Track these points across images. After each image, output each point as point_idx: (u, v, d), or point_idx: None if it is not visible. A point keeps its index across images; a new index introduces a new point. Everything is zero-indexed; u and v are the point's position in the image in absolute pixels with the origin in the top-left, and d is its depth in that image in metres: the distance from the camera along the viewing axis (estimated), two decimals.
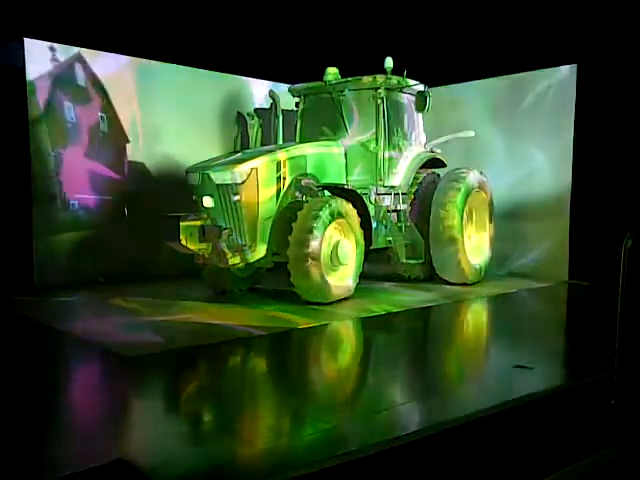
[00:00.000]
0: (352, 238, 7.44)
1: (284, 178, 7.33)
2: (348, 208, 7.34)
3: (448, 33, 9.85)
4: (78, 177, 8.57)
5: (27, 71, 7.95)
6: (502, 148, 9.71)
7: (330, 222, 7.07)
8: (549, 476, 3.10)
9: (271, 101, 8.66)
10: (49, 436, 3.63)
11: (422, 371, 4.90)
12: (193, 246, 7.01)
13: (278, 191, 7.28)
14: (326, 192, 7.62)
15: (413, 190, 8.65)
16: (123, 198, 8.97)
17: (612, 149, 8.64)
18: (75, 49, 8.40)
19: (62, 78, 8.30)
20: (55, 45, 8.19)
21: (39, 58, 8.06)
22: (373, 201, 8.14)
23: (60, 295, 7.75)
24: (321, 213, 6.94)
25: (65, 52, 8.30)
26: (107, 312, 6.89)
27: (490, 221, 9.09)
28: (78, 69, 8.36)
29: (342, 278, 7.38)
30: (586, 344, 5.77)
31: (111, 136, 8.89)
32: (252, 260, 7.14)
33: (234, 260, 7.02)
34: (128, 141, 9.07)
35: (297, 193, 7.46)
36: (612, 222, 7.92)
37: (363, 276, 7.81)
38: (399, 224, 8.42)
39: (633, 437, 3.54)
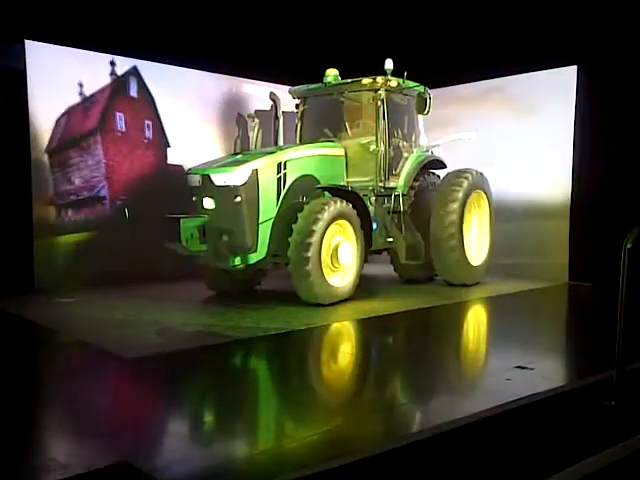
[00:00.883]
0: (352, 239, 7.44)
1: (285, 180, 7.33)
2: (348, 209, 7.35)
3: (448, 34, 9.87)
4: (124, 180, 9.05)
5: (86, 85, 8.63)
6: (502, 149, 9.71)
7: (330, 223, 7.08)
8: (549, 477, 3.09)
9: (271, 103, 8.67)
10: (49, 437, 3.64)
11: (422, 372, 4.90)
12: (194, 247, 7.02)
13: (279, 192, 7.28)
14: (326, 193, 7.62)
15: (413, 191, 8.65)
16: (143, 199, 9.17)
17: (612, 150, 8.65)
18: (132, 62, 9.05)
19: (118, 90, 8.98)
20: (116, 59, 8.87)
21: (100, 72, 8.75)
22: (373, 202, 8.15)
23: (60, 296, 7.76)
24: (321, 214, 6.95)
25: (123, 65, 8.99)
26: (107, 313, 6.89)
27: (490, 222, 9.09)
28: (132, 81, 9.09)
29: (342, 279, 7.39)
30: (586, 345, 5.78)
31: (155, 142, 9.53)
32: (252, 261, 7.14)
33: (235, 261, 7.02)
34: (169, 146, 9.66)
35: (297, 195, 7.46)
36: (613, 223, 7.93)
37: (363, 277, 7.82)
38: (399, 225, 8.43)
39: (634, 437, 3.54)
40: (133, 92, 9.05)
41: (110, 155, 8.92)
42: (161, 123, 9.51)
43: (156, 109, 9.41)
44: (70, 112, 8.50)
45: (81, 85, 8.51)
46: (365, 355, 5.88)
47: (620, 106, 8.53)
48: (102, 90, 8.75)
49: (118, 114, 8.93)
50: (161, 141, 9.54)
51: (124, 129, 9.03)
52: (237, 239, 7.03)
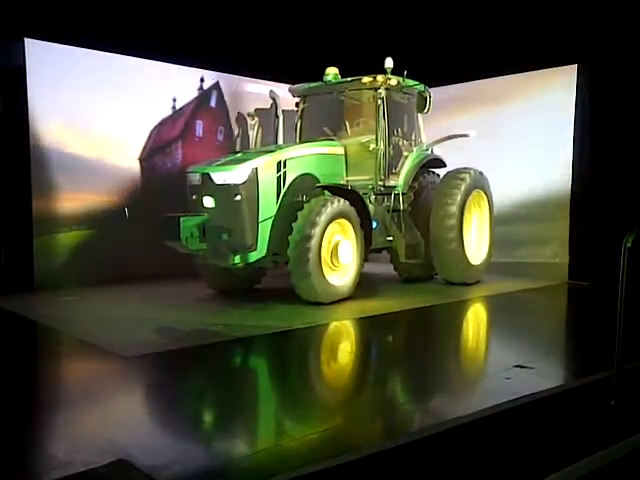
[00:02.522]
0: (352, 238, 7.44)
1: (284, 178, 7.33)
2: (348, 208, 7.35)
3: (448, 33, 9.86)
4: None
5: (177, 99, 9.65)
6: (501, 148, 9.70)
7: (330, 222, 7.08)
8: (548, 476, 3.10)
9: (271, 101, 8.66)
10: (50, 435, 3.64)
11: (422, 371, 4.90)
12: (193, 246, 7.01)
13: (278, 191, 7.28)
14: (326, 192, 7.62)
15: (413, 190, 8.65)
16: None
17: (612, 149, 8.65)
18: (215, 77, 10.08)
19: (201, 101, 10.03)
20: (204, 75, 9.94)
21: (187, 86, 9.78)
22: (373, 201, 8.15)
23: (60, 295, 7.76)
24: (321, 213, 6.95)
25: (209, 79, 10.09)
26: (107, 312, 6.90)
27: (490, 221, 9.09)
28: (213, 94, 10.18)
29: (342, 278, 7.39)
30: (586, 344, 5.78)
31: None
32: (252, 260, 7.14)
33: (234, 260, 7.02)
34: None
35: (297, 193, 7.46)
36: (612, 222, 7.93)
37: (363, 276, 7.82)
38: (399, 224, 8.42)
39: (633, 436, 3.54)
40: (213, 103, 10.17)
41: (187, 158, 9.69)
42: (231, 127, 10.32)
43: (228, 115, 10.33)
44: (162, 124, 9.56)
45: (175, 100, 9.65)
46: (364, 354, 5.88)
47: (620, 105, 8.52)
48: (189, 102, 9.87)
49: (198, 122, 10.00)
50: (230, 143, 10.26)
51: (201, 135, 10.06)
52: (237, 238, 7.03)
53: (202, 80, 9.95)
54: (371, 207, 7.99)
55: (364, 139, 8.21)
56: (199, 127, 10.01)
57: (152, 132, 9.46)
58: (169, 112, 9.63)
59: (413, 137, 8.86)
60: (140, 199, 9.15)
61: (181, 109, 9.77)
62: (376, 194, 8.19)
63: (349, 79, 8.27)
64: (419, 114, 8.73)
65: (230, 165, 7.13)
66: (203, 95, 10.03)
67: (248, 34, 9.76)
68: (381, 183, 8.18)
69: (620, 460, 3.34)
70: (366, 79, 8.05)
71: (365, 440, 3.46)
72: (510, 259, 9.66)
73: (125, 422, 3.84)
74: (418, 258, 8.54)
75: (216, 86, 10.18)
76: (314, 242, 6.88)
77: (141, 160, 9.38)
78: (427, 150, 8.96)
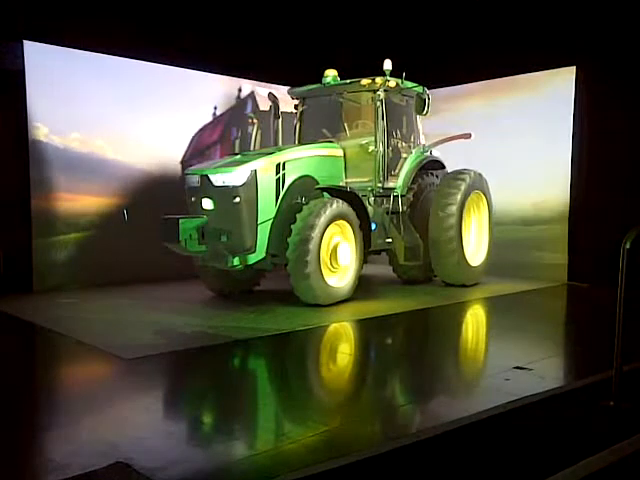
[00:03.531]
0: (351, 240, 7.44)
1: (283, 180, 7.33)
2: (347, 210, 7.35)
3: (447, 35, 9.89)
4: None
5: (218, 106, 10.29)
6: (500, 150, 9.71)
7: (329, 224, 7.08)
8: (547, 478, 3.09)
9: (271, 103, 8.67)
10: (48, 438, 3.64)
11: (421, 373, 4.90)
12: (192, 248, 7.01)
13: (277, 193, 7.28)
14: (325, 194, 7.62)
15: (412, 192, 8.64)
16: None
17: (611, 150, 8.66)
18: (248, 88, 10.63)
19: (237, 109, 10.60)
20: (242, 85, 10.53)
21: (226, 96, 10.40)
22: (372, 203, 8.15)
23: (59, 297, 7.75)
24: (320, 215, 6.95)
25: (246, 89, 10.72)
26: (106, 314, 6.89)
27: (489, 223, 9.09)
28: (249, 102, 10.74)
29: (341, 280, 7.39)
30: (585, 345, 5.78)
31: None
32: (251, 262, 7.14)
33: (233, 262, 7.02)
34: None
35: (296, 195, 7.46)
36: (611, 223, 7.94)
37: (362, 278, 7.82)
38: (398, 226, 8.42)
39: (632, 438, 3.54)
40: (249, 109, 10.70)
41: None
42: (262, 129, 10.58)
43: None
44: (203, 130, 10.12)
45: (215, 108, 10.28)
46: (364, 356, 5.88)
47: (618, 107, 8.54)
48: (227, 110, 10.48)
49: (234, 127, 10.58)
50: (261, 143, 10.40)
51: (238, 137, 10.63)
52: (236, 240, 7.02)
53: (240, 90, 10.55)
54: (370, 209, 7.99)
55: (363, 141, 8.21)
56: (235, 131, 10.57)
57: (193, 138, 9.98)
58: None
59: (412, 139, 8.86)
60: (141, 201, 9.15)
61: (221, 116, 10.40)
62: (375, 196, 8.19)
63: (348, 81, 8.28)
64: (418, 116, 8.73)
65: (229, 167, 7.12)
66: (241, 103, 10.61)
67: (248, 37, 9.77)
68: (380, 185, 8.17)
69: (620, 461, 3.33)
70: (365, 81, 8.05)
71: (365, 442, 3.46)
72: (509, 260, 9.66)
73: (124, 424, 3.83)
74: (417, 260, 8.54)
75: (252, 95, 10.74)
76: (313, 244, 6.88)
77: (182, 163, 9.78)
78: (426, 152, 8.97)
